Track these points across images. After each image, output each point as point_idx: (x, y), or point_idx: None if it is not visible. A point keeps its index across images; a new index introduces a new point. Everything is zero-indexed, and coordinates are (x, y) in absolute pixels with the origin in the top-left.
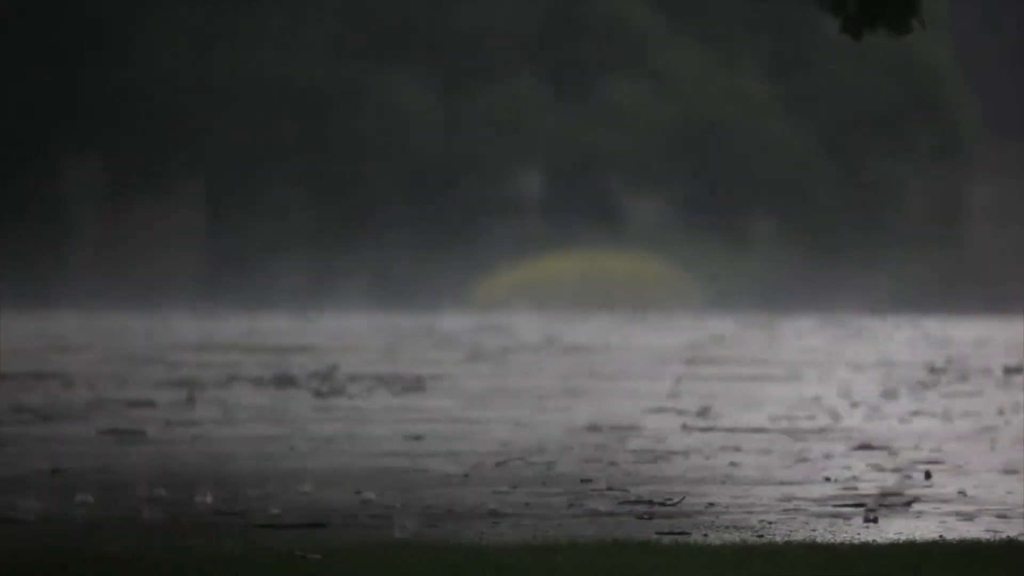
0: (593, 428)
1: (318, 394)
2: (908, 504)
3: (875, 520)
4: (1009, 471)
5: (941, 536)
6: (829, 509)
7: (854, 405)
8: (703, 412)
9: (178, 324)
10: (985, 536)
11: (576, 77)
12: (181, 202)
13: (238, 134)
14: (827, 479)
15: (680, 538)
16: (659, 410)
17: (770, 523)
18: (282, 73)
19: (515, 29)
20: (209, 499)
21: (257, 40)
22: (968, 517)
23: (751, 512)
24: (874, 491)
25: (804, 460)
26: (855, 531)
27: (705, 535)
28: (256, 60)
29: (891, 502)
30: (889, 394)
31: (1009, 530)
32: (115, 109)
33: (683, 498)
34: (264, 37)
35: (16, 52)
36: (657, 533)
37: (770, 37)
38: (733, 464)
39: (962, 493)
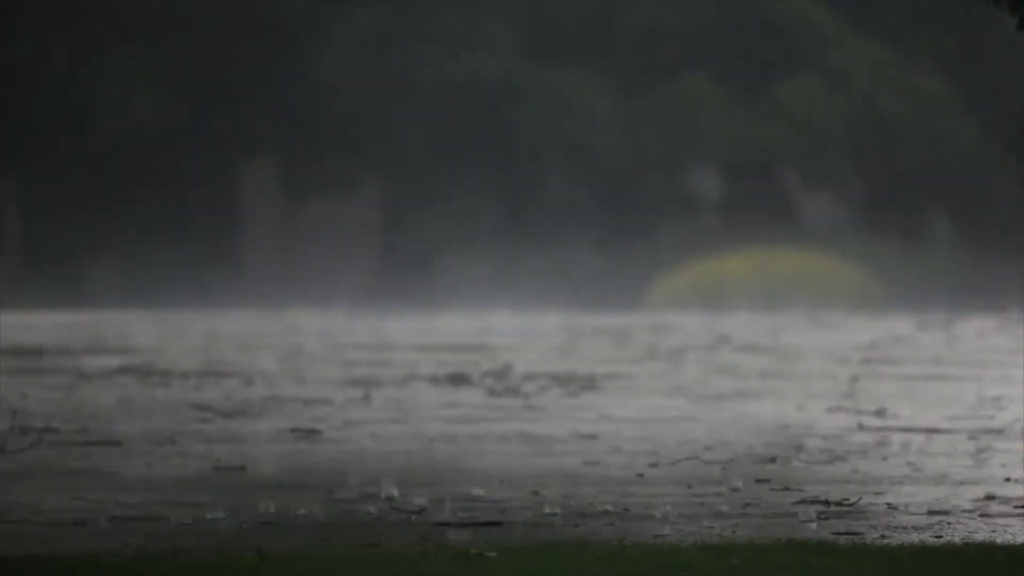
0: (768, 427)
1: (492, 393)
2: None
3: None
4: None
5: None
6: (1010, 510)
7: None
8: (880, 411)
9: (354, 322)
10: None
11: (751, 75)
12: (357, 201)
13: (415, 133)
14: (1008, 479)
15: (857, 539)
16: (835, 409)
17: (949, 524)
18: (459, 72)
19: (689, 27)
20: (386, 496)
21: (434, 39)
22: None
23: (930, 512)
24: None
25: (984, 460)
26: None
27: (882, 536)
28: (433, 59)
29: None
30: None
31: None
32: (291, 108)
33: (860, 498)
34: (441, 36)
35: (189, 52)
36: (834, 533)
37: (947, 32)
38: (911, 464)
39: None
